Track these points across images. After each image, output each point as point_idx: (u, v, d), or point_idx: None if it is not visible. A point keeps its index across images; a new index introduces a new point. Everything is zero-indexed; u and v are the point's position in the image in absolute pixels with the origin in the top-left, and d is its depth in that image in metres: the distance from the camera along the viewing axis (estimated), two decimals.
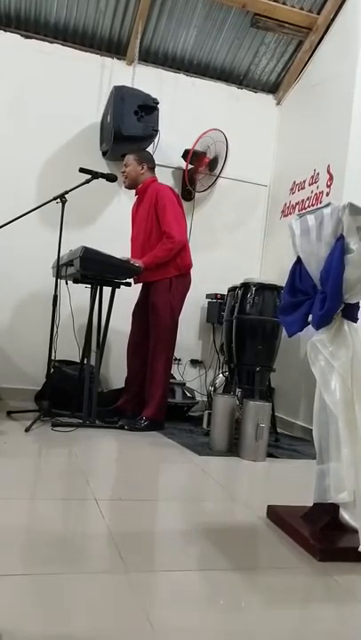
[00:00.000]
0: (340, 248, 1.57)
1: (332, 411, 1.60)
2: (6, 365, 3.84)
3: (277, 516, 1.82)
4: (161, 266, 3.28)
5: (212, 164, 4.16)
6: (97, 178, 3.21)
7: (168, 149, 4.08)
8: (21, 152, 3.92)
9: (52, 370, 3.28)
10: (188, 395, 3.86)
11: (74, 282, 3.18)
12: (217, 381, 4.02)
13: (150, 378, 3.30)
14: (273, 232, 4.40)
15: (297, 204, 4.04)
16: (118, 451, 2.83)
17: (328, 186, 3.62)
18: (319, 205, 1.82)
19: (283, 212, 4.26)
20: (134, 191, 3.51)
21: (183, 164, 4.15)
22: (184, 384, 3.91)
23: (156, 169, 3.58)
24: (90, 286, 3.20)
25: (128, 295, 3.42)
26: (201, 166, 4.14)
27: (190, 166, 4.15)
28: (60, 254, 3.17)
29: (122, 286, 3.28)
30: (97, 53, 4.10)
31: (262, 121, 4.46)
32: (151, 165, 3.48)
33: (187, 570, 1.45)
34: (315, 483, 1.69)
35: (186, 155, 4.09)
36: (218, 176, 4.20)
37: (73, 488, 2.08)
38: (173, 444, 2.97)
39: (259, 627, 1.19)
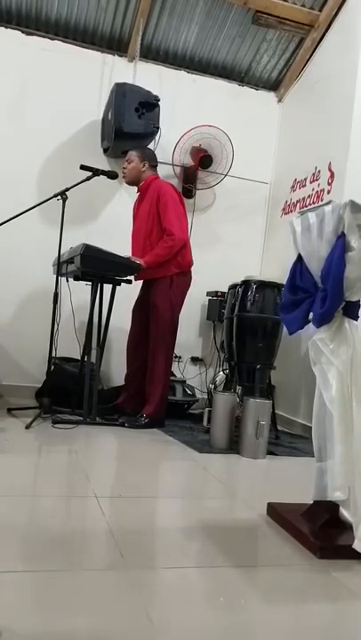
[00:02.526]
0: (340, 246, 1.57)
1: (329, 408, 1.60)
2: (7, 362, 3.84)
3: (277, 513, 1.82)
4: (162, 263, 3.27)
5: (205, 161, 4.13)
6: (98, 175, 3.20)
7: (169, 146, 4.08)
8: (22, 149, 3.92)
9: (53, 367, 3.28)
10: (189, 392, 3.86)
11: (74, 279, 3.18)
12: (217, 379, 4.02)
13: (150, 375, 3.30)
14: (274, 230, 4.39)
15: (298, 201, 4.04)
16: (118, 448, 2.83)
17: (329, 183, 3.61)
18: (320, 203, 1.82)
19: (284, 209, 4.26)
20: (136, 188, 3.50)
21: (185, 162, 4.15)
22: (184, 381, 3.92)
23: (158, 166, 3.57)
24: (90, 284, 3.20)
25: (128, 293, 3.42)
26: (194, 163, 4.13)
27: (191, 163, 4.15)
28: (61, 252, 3.17)
29: (122, 284, 3.28)
30: (98, 50, 4.09)
31: (263, 118, 4.45)
32: (153, 163, 3.47)
33: (187, 567, 1.45)
34: (314, 480, 1.69)
35: (192, 152, 4.09)
36: (225, 175, 4.18)
37: (73, 485, 2.08)
38: (174, 441, 2.97)
39: (259, 623, 1.20)
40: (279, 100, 4.50)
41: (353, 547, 1.53)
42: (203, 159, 4.10)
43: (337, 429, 1.58)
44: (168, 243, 3.24)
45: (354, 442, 1.59)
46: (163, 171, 3.91)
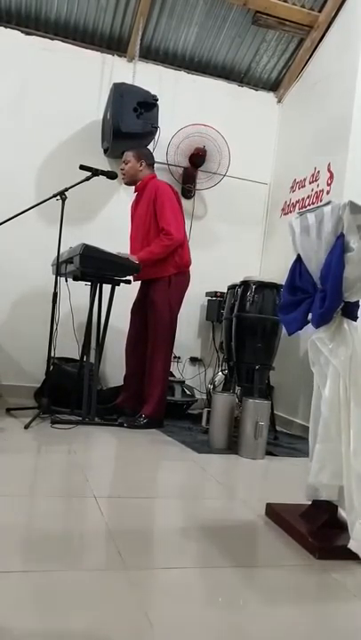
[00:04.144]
0: (340, 246, 1.57)
1: (322, 408, 1.61)
2: (6, 362, 3.84)
3: (276, 513, 1.82)
4: (160, 264, 3.27)
5: (197, 160, 4.12)
6: (97, 175, 3.20)
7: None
8: (21, 149, 3.92)
9: (52, 367, 3.28)
10: (188, 392, 3.86)
11: (74, 279, 3.18)
12: (216, 379, 4.02)
13: (149, 376, 3.30)
14: (273, 230, 4.39)
15: (297, 202, 4.04)
16: (117, 448, 2.83)
17: (328, 184, 3.61)
18: (319, 204, 1.82)
19: (283, 210, 4.26)
20: (133, 188, 3.50)
21: (184, 162, 4.15)
22: (183, 382, 3.92)
23: (157, 166, 3.57)
24: (90, 284, 3.20)
25: (127, 293, 3.42)
26: (188, 162, 4.13)
27: (185, 162, 4.14)
28: (60, 252, 3.17)
29: (121, 284, 3.28)
30: (98, 50, 4.09)
31: (263, 119, 4.45)
32: (150, 162, 3.47)
33: (185, 567, 1.45)
34: (307, 480, 1.69)
35: (185, 151, 4.09)
36: (224, 175, 4.18)
37: (72, 485, 2.08)
38: (172, 441, 2.97)
39: (257, 624, 1.20)
40: (279, 101, 4.50)
41: (348, 546, 1.53)
42: (193, 157, 4.10)
43: (322, 429, 1.59)
44: (165, 242, 3.24)
45: (351, 441, 1.59)
46: (162, 171, 3.92)
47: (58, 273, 3.18)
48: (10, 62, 3.91)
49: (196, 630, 1.14)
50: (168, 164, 4.13)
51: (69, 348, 3.53)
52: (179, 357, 4.12)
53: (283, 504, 1.87)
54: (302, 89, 4.20)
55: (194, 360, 4.32)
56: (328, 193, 3.61)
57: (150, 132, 3.84)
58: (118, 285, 3.28)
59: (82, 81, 4.05)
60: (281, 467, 2.72)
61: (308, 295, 1.74)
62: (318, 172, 3.75)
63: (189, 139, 4.09)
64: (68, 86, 4.00)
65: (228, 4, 3.89)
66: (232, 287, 3.51)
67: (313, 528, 1.67)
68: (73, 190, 3.14)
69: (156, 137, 3.91)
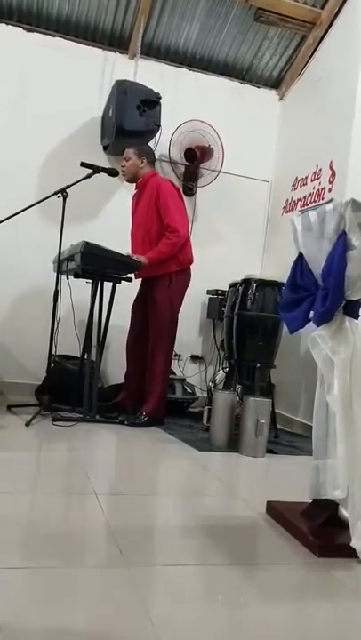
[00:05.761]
0: (342, 244, 1.57)
1: (331, 407, 1.60)
2: (7, 360, 3.84)
3: (277, 511, 1.82)
4: (162, 261, 3.27)
5: (193, 156, 4.12)
6: (98, 172, 3.20)
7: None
8: (22, 146, 3.91)
9: (53, 365, 3.28)
10: (189, 390, 3.86)
11: (75, 277, 3.18)
12: (217, 377, 4.02)
13: (150, 373, 3.30)
14: (275, 228, 4.39)
15: (299, 200, 4.03)
16: (118, 446, 2.84)
17: (330, 182, 3.61)
18: (321, 201, 1.81)
19: (285, 208, 4.25)
20: (134, 185, 3.49)
21: (183, 159, 4.15)
22: (184, 380, 3.92)
23: (158, 164, 3.56)
24: (91, 281, 3.20)
25: (128, 291, 3.41)
26: (185, 159, 4.13)
27: (185, 162, 4.14)
28: (61, 249, 3.17)
29: (122, 281, 3.28)
30: (99, 47, 4.08)
31: (265, 116, 4.44)
32: (151, 159, 3.46)
33: (186, 565, 1.45)
34: (310, 479, 1.69)
35: (188, 152, 4.10)
36: (219, 172, 4.18)
37: (73, 482, 2.09)
38: (173, 439, 2.97)
39: (257, 622, 1.20)
40: (281, 98, 4.49)
41: (351, 545, 1.53)
42: (189, 154, 4.10)
43: (340, 428, 1.58)
44: (172, 239, 3.23)
45: (354, 441, 1.59)
46: (164, 168, 3.91)
47: (59, 271, 3.18)
48: (11, 59, 3.90)
49: (196, 628, 1.14)
50: (171, 162, 4.12)
51: (70, 345, 3.53)
52: (179, 355, 4.12)
53: (283, 502, 1.87)
54: (304, 86, 4.19)
55: (195, 358, 4.32)
56: (330, 191, 3.60)
57: (153, 129, 3.83)
58: (119, 283, 3.27)
59: (83, 78, 4.03)
60: (282, 465, 2.72)
61: (309, 293, 1.74)
62: (320, 169, 3.75)
63: (186, 135, 4.08)
64: (69, 83, 3.99)
65: (229, 0, 3.88)
66: (233, 285, 3.50)
67: (314, 526, 1.67)
68: (74, 188, 3.14)
69: (158, 135, 3.91)
